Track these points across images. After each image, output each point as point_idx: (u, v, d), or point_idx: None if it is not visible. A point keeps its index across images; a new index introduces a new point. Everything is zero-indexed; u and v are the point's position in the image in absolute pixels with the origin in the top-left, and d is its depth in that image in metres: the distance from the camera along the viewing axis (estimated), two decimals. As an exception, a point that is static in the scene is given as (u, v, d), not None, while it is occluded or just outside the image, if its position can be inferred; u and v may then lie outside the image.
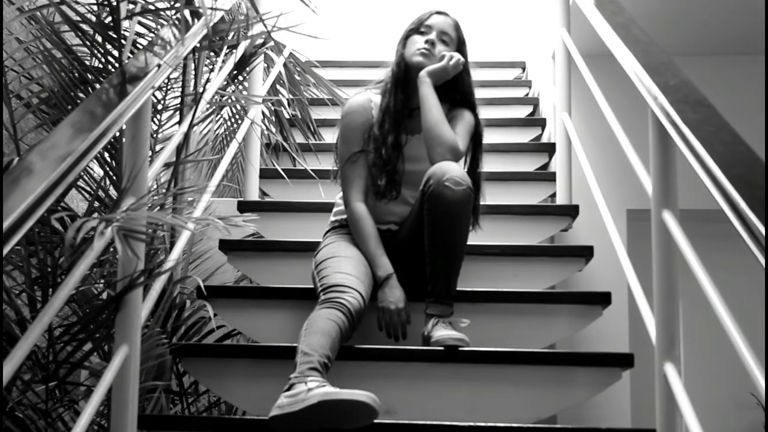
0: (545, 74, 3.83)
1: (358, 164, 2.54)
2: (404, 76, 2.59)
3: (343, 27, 5.14)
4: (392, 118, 2.55)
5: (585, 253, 2.78)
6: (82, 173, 2.21)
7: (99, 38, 2.24)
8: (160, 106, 2.83)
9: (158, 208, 2.09)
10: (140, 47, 2.35)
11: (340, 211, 2.61)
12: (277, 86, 3.71)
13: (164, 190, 2.57)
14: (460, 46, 2.65)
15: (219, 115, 3.55)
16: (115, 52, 2.24)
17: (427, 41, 2.57)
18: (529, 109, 4.12)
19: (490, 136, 3.58)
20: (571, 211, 3.01)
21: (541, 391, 2.30)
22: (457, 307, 2.39)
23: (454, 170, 2.35)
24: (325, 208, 2.83)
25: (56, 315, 1.74)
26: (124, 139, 1.94)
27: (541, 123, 3.81)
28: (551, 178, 3.26)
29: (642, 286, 2.07)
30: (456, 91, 2.64)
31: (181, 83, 2.81)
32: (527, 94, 4.37)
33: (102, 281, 2.28)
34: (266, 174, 3.38)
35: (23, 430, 1.99)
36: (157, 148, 2.78)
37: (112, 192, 2.24)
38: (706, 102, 1.67)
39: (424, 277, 2.39)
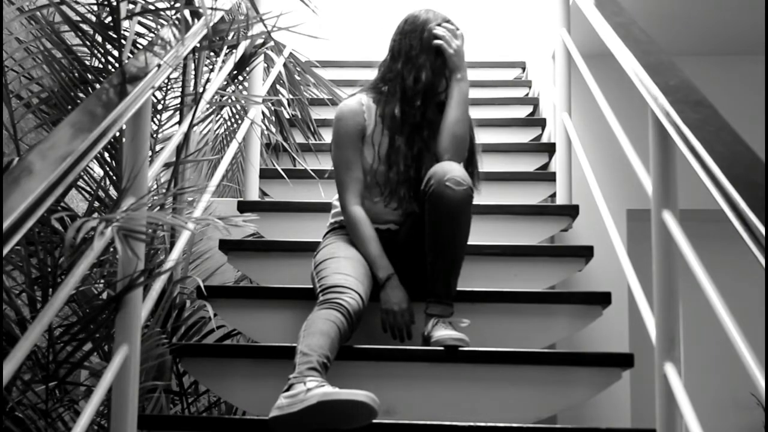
0: (545, 74, 3.83)
1: (353, 168, 2.54)
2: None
3: (343, 27, 5.14)
4: (401, 128, 2.55)
5: (585, 253, 2.78)
6: (82, 173, 2.21)
7: (99, 38, 2.24)
8: (160, 106, 2.83)
9: (158, 208, 2.09)
10: (140, 47, 2.35)
11: (338, 212, 2.61)
12: (277, 86, 3.71)
13: (164, 190, 2.57)
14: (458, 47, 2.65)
15: (219, 115, 3.55)
16: (115, 52, 2.24)
17: None
18: (529, 109, 4.12)
19: (490, 136, 3.61)
20: (571, 211, 3.01)
21: (541, 391, 2.30)
22: (457, 307, 2.39)
23: (456, 170, 2.36)
24: (325, 208, 2.83)
25: (56, 315, 1.74)
26: (124, 139, 1.94)
27: (541, 123, 3.81)
28: (551, 178, 3.26)
29: (642, 286, 2.07)
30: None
31: (181, 83, 2.81)
32: (527, 94, 4.37)
33: (102, 281, 2.28)
34: (266, 174, 3.38)
35: (23, 430, 1.99)
36: (157, 148, 2.78)
37: (112, 192, 2.24)
38: (706, 102, 1.67)
39: (425, 277, 2.39)
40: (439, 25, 2.58)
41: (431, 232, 2.36)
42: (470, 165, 2.60)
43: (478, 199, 2.71)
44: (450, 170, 2.35)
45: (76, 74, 2.24)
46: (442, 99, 2.56)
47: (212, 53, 2.74)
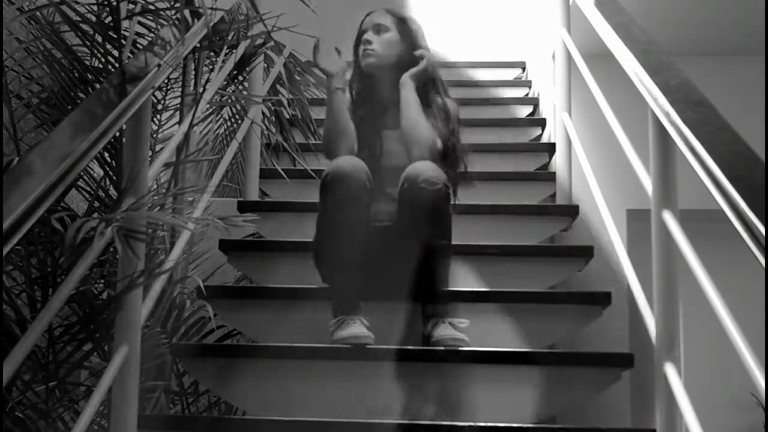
0: (545, 74, 3.83)
1: None
2: (362, 80, 2.75)
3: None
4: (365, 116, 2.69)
5: (585, 253, 2.78)
6: (82, 173, 2.21)
7: (99, 38, 2.24)
8: (160, 106, 2.83)
9: (158, 208, 2.09)
10: (140, 47, 2.34)
11: None
12: (277, 86, 3.71)
13: (164, 190, 2.57)
14: (402, 25, 2.69)
15: (219, 115, 3.55)
16: (115, 52, 2.24)
17: (363, 41, 2.68)
18: (529, 109, 4.12)
19: (490, 136, 3.61)
20: (571, 211, 3.01)
21: (541, 391, 2.30)
22: (458, 307, 2.39)
23: (428, 170, 2.37)
24: (325, 208, 2.82)
25: (56, 315, 1.74)
26: (124, 139, 1.94)
27: (541, 123, 3.80)
28: (551, 178, 3.26)
29: (642, 286, 2.07)
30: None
31: (181, 83, 2.81)
32: (527, 94, 4.37)
33: (102, 281, 2.28)
34: (266, 174, 3.38)
35: (23, 430, 1.99)
36: (157, 148, 2.78)
37: (112, 192, 2.24)
38: (706, 102, 1.67)
39: (418, 277, 2.40)
40: (368, 15, 2.72)
41: (414, 234, 2.38)
42: (453, 167, 2.63)
43: (479, 199, 2.72)
44: (422, 171, 2.37)
45: (76, 74, 2.24)
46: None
47: (212, 53, 2.75)
